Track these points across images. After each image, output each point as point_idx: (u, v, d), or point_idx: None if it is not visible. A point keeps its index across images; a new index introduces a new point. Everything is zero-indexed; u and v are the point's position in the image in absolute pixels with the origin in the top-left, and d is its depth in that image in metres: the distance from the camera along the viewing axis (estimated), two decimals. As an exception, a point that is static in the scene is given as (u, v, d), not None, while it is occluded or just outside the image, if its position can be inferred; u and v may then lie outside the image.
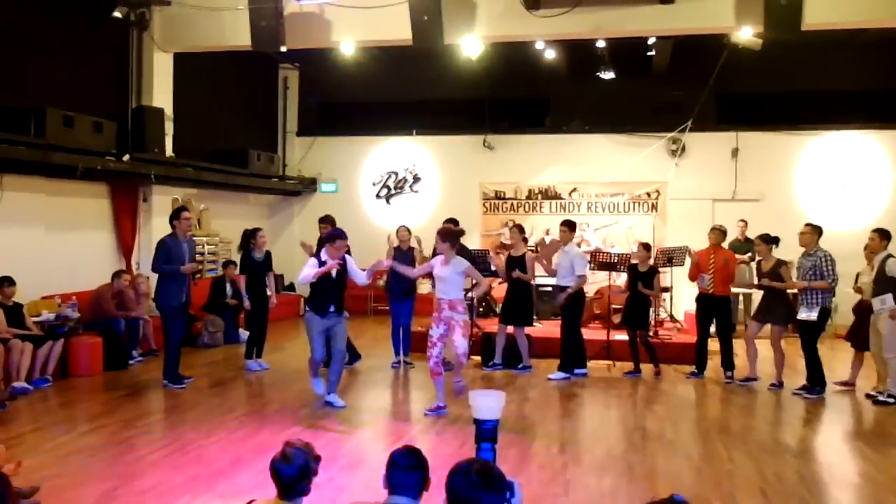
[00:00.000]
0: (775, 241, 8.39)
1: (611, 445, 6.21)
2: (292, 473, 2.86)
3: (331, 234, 7.44)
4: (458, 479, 2.40)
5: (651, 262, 9.18)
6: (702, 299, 8.91)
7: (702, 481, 5.28)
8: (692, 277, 9.01)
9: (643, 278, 8.93)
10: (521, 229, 9.43)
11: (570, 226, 9.07)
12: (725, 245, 12.25)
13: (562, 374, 8.72)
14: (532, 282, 9.32)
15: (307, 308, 7.44)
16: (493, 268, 9.47)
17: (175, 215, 8.13)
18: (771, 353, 8.40)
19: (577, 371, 8.82)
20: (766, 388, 8.30)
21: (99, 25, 10.09)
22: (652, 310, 9.82)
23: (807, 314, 7.80)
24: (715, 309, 8.81)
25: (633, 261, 9.27)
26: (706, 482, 5.26)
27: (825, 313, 7.85)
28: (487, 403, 3.14)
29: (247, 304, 9.07)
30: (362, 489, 5.03)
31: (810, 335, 7.84)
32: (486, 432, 3.11)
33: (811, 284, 7.76)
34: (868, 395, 7.91)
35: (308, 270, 7.08)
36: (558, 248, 9.14)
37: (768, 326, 8.36)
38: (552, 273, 9.15)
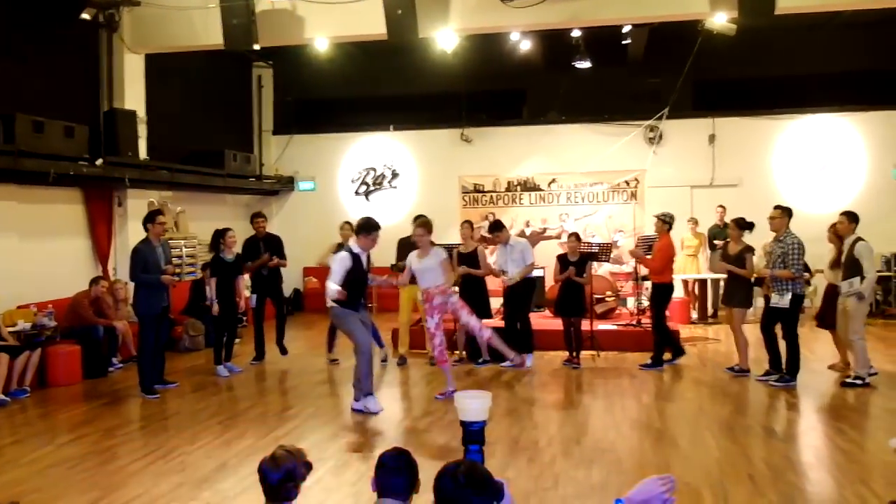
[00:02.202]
0: (749, 226, 8.34)
1: (598, 437, 6.20)
2: (278, 477, 2.82)
3: (365, 224, 7.11)
4: (446, 481, 2.37)
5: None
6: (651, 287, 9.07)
7: (691, 470, 5.28)
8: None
9: (575, 267, 8.94)
10: (471, 225, 9.54)
11: (496, 227, 9.14)
12: (704, 231, 12.44)
13: (510, 364, 8.66)
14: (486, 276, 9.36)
15: (336, 304, 7.01)
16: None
17: (150, 218, 7.90)
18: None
19: (528, 357, 8.84)
20: (724, 370, 8.41)
21: (67, 28, 9.90)
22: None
23: (777, 300, 7.74)
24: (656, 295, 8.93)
25: (563, 251, 9.28)
26: (695, 470, 5.27)
27: (798, 299, 7.76)
28: (473, 406, 3.10)
29: (215, 308, 8.84)
30: (350, 491, 4.99)
31: (789, 322, 7.78)
32: (472, 434, 3.08)
33: (774, 273, 7.69)
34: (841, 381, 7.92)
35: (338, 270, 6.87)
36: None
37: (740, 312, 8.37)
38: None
